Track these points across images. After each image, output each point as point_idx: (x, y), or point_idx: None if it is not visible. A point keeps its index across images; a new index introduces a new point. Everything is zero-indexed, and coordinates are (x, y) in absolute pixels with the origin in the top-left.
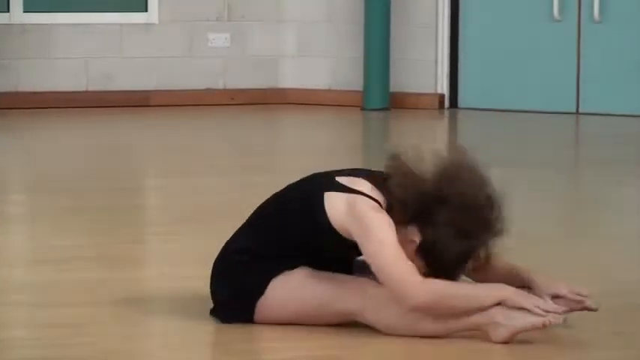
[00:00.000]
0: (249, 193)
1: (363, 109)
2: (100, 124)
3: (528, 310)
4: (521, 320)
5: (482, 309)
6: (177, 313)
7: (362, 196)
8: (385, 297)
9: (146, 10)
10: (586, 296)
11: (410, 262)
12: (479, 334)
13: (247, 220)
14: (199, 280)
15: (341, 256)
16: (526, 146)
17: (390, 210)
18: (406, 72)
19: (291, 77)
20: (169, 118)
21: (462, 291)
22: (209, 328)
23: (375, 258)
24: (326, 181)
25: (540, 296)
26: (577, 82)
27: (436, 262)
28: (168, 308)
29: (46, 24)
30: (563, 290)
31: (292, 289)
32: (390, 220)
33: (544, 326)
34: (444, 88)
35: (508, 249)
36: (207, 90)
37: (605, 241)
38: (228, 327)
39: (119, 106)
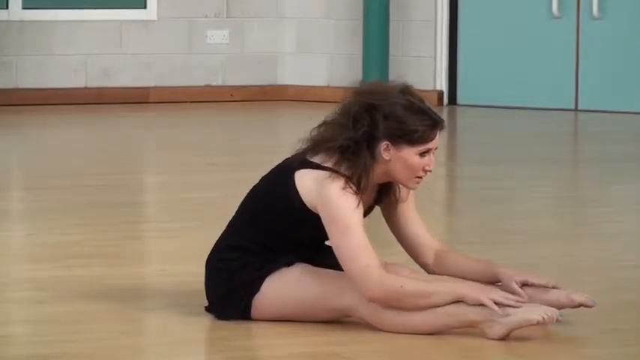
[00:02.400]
0: (248, 189)
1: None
2: (98, 121)
3: (485, 305)
4: (517, 317)
5: (440, 306)
6: (177, 309)
7: (331, 174)
8: None
9: (145, 7)
10: (553, 286)
11: (374, 255)
12: (475, 330)
13: (233, 216)
14: (198, 277)
15: (320, 235)
16: (525, 143)
17: (360, 174)
18: (405, 68)
19: (290, 74)
20: (168, 114)
21: (421, 288)
22: (208, 324)
23: (340, 249)
24: (296, 161)
25: (508, 286)
26: (576, 78)
27: (409, 133)
28: (168, 304)
29: (45, 20)
30: (531, 279)
31: (288, 285)
32: (356, 202)
33: (539, 323)
34: (442, 84)
35: (506, 245)
36: (207, 86)
37: (603, 238)
38: (226, 323)
39: (118, 103)
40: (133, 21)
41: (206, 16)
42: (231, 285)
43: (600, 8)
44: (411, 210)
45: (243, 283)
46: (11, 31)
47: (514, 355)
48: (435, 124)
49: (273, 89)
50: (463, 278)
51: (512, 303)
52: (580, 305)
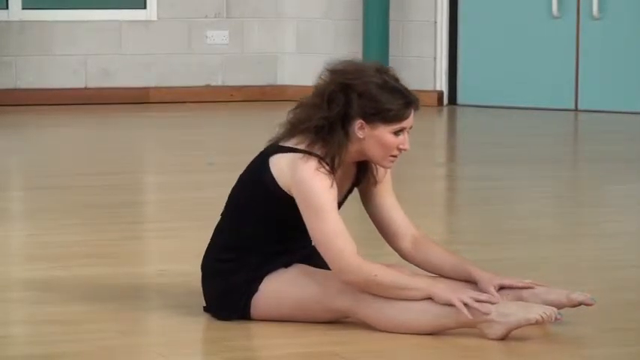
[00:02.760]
0: None
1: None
2: (98, 121)
3: (455, 306)
4: (516, 317)
5: (411, 300)
6: (176, 309)
7: (304, 155)
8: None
9: (145, 7)
10: (529, 286)
11: (349, 238)
12: (475, 331)
13: (221, 215)
14: (198, 277)
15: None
16: (525, 143)
17: (334, 153)
18: (405, 69)
19: (290, 74)
20: (168, 114)
21: (394, 280)
22: (207, 324)
23: (314, 232)
24: (271, 148)
25: (485, 289)
26: (576, 78)
27: (384, 112)
28: (167, 304)
29: (45, 21)
30: (506, 281)
31: (286, 286)
32: (329, 181)
33: (538, 322)
34: (442, 85)
35: (506, 245)
36: (206, 87)
37: (603, 238)
38: (226, 323)
39: (118, 103)
40: (133, 21)
41: (206, 17)
42: (228, 286)
43: (600, 8)
44: (387, 192)
45: (241, 284)
46: (11, 31)
47: (514, 355)
48: (409, 102)
49: (273, 89)
50: (438, 272)
51: (481, 309)
52: (580, 304)
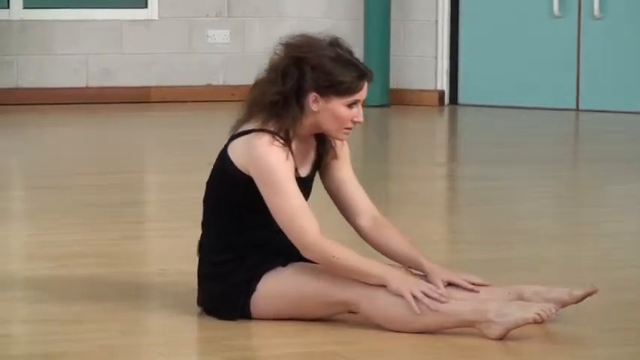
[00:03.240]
0: None
1: (363, 105)
2: (99, 120)
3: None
4: (514, 316)
5: (365, 282)
6: (176, 309)
7: (257, 133)
8: (381, 287)
9: (146, 7)
10: (479, 285)
11: (309, 214)
12: (474, 330)
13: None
14: None
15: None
16: (526, 143)
17: (287, 126)
18: (406, 69)
19: None
20: (169, 114)
21: (351, 264)
22: (208, 324)
23: (273, 208)
24: (230, 136)
25: (433, 282)
26: (577, 78)
27: (337, 84)
28: (168, 304)
29: (46, 20)
30: (455, 279)
31: (286, 282)
32: (284, 153)
33: (535, 321)
34: (444, 84)
35: (506, 245)
36: (207, 86)
37: (603, 238)
38: (226, 323)
39: (119, 102)
40: (134, 20)
41: (207, 16)
42: (227, 287)
43: (601, 8)
44: (346, 169)
45: (239, 285)
46: (12, 30)
47: (514, 354)
48: (362, 75)
49: None
50: (391, 256)
51: (430, 305)
52: (583, 299)
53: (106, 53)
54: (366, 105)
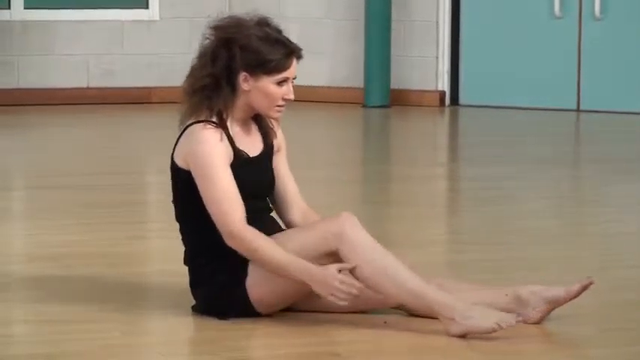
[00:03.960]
0: None
1: (363, 106)
2: (100, 121)
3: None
4: (473, 322)
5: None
6: (177, 309)
7: (188, 129)
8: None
9: (147, 7)
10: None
11: (237, 202)
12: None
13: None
14: None
15: (248, 188)
16: (527, 143)
17: (220, 108)
18: (407, 69)
19: None
20: (170, 114)
21: (276, 259)
22: (208, 324)
23: (204, 194)
24: (177, 137)
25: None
26: (578, 79)
27: (266, 63)
28: (168, 304)
29: (47, 20)
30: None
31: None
32: (218, 135)
33: (494, 330)
34: (444, 85)
35: (508, 245)
36: None
37: (605, 238)
38: (226, 323)
39: (120, 103)
40: (135, 21)
41: (208, 16)
42: (217, 288)
43: (602, 9)
44: (283, 164)
45: (227, 282)
46: (13, 31)
47: (514, 354)
48: (290, 52)
49: None
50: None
51: (342, 304)
52: (579, 293)
53: (107, 54)
54: (366, 106)
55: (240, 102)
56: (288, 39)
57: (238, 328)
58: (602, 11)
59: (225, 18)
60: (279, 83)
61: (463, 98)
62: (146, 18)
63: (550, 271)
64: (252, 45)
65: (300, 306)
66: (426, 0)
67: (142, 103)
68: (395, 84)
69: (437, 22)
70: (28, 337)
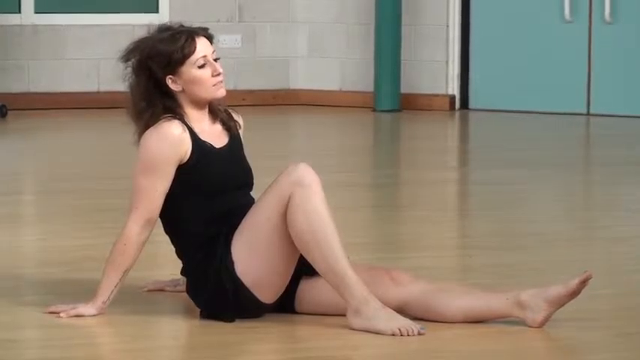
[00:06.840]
0: (259, 194)
1: (373, 110)
2: (111, 125)
3: None
4: (375, 322)
5: None
6: (188, 313)
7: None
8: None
9: (157, 12)
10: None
11: (150, 202)
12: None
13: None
14: None
15: (224, 180)
16: (537, 147)
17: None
18: (417, 73)
19: (302, 78)
20: None
21: (131, 261)
22: (218, 328)
23: (134, 180)
24: None
25: None
26: (588, 83)
27: (173, 56)
28: (179, 308)
29: (58, 25)
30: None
31: (248, 232)
32: (179, 127)
33: (394, 335)
34: (454, 89)
35: (518, 249)
36: None
37: (615, 241)
38: (235, 327)
39: None
40: (146, 25)
41: (218, 21)
42: (213, 286)
43: (612, 13)
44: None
45: (218, 268)
46: (24, 35)
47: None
48: (190, 35)
49: (285, 94)
50: None
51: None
52: (580, 286)
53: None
54: (376, 110)
55: (185, 101)
56: (189, 27)
57: (250, 332)
58: (612, 15)
59: (129, 45)
60: (201, 67)
61: (473, 102)
62: (156, 22)
63: (561, 275)
64: (157, 49)
65: (311, 309)
66: (436, 4)
67: None
68: (405, 88)
69: (447, 27)
70: (40, 342)
